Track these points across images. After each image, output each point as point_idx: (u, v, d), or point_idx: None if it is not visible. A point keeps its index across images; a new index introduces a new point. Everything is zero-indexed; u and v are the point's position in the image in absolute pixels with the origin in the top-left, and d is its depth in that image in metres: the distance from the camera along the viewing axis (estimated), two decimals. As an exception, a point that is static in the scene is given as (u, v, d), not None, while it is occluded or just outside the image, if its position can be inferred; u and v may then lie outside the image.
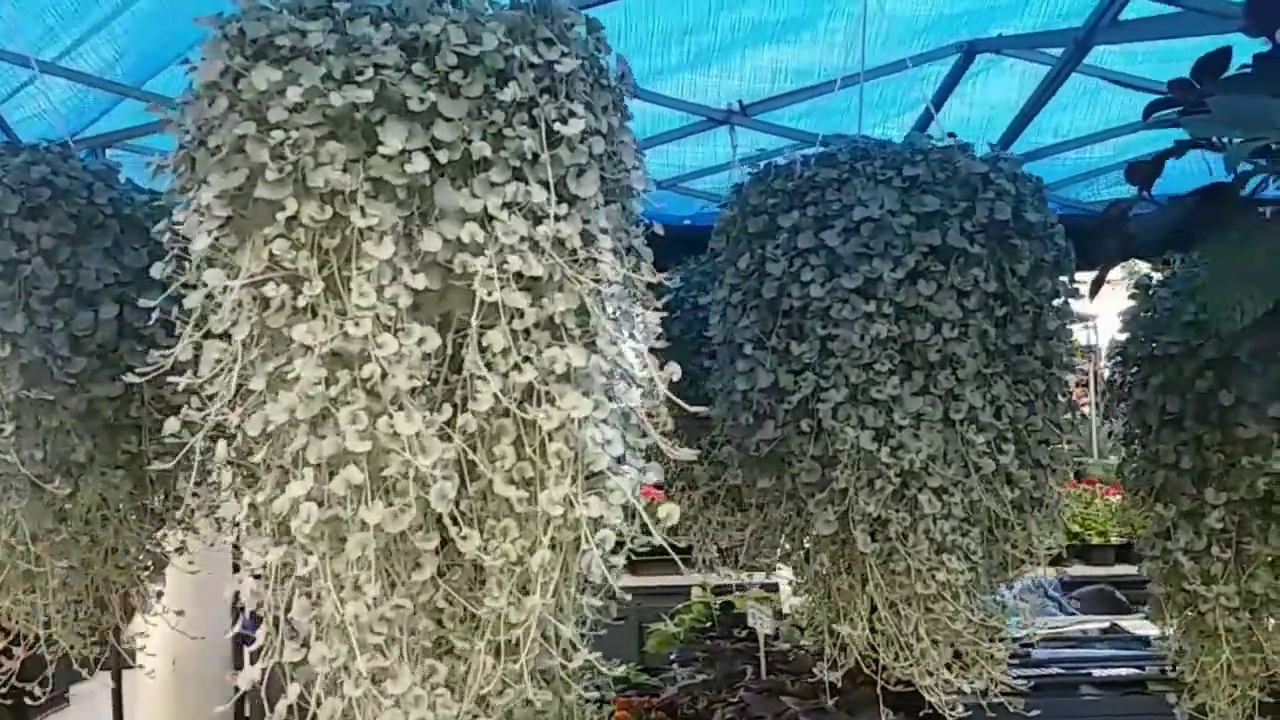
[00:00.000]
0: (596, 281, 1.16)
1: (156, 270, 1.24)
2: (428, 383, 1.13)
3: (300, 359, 1.10)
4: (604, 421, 1.15)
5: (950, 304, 1.78)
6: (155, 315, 1.84)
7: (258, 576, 1.23)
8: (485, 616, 1.17)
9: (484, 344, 1.15)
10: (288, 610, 1.20)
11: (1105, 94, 2.66)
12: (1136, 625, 3.36)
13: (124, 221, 1.88)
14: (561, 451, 1.13)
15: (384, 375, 1.09)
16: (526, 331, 1.14)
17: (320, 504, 1.13)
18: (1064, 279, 1.90)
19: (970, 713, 1.85)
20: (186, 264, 1.23)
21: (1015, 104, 2.58)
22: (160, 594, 2.03)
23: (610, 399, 1.17)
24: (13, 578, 1.77)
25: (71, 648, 1.89)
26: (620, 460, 1.17)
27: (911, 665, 1.82)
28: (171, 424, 1.27)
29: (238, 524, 1.21)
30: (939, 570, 1.78)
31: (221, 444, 1.20)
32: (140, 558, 1.98)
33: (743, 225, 1.95)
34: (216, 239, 1.11)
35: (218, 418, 1.23)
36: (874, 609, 1.86)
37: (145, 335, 1.89)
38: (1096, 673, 3.00)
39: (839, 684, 3.13)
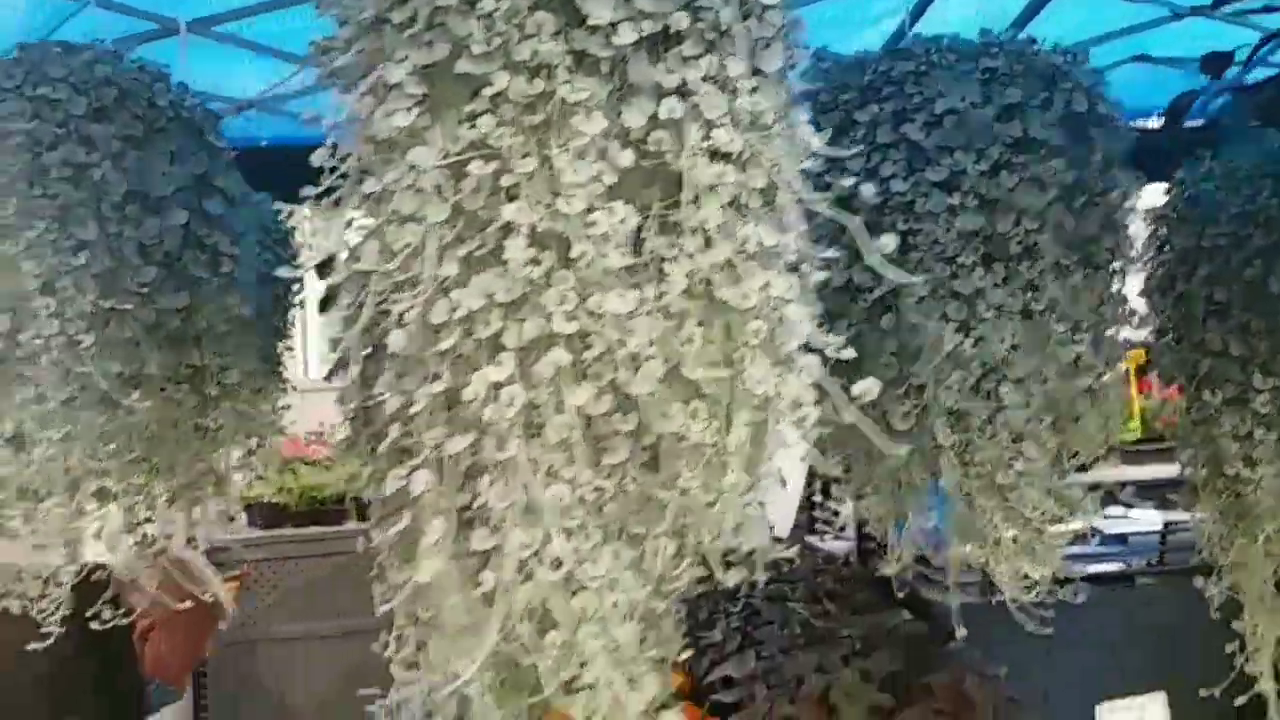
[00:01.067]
0: (786, 157, 1.15)
1: (318, 156, 1.19)
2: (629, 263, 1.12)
3: (509, 239, 1.08)
4: (795, 300, 1.15)
5: (1031, 196, 1.81)
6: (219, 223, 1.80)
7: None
8: (670, 498, 1.17)
9: (678, 222, 1.13)
10: (471, 501, 1.18)
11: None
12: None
13: (183, 125, 1.81)
14: (760, 330, 1.13)
15: (594, 254, 1.07)
16: (721, 208, 1.13)
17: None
18: (1130, 172, 1.94)
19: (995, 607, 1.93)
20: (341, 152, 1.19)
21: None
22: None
23: (800, 277, 1.17)
24: (85, 494, 1.71)
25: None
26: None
27: (986, 553, 1.87)
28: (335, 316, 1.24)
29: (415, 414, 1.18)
30: (1017, 460, 1.83)
31: (399, 333, 1.17)
32: (203, 476, 1.93)
33: (814, 122, 1.94)
34: (410, 118, 1.07)
35: (382, 309, 1.20)
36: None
37: (209, 244, 1.83)
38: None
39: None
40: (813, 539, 4.22)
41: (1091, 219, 1.89)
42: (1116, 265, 1.94)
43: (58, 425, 1.63)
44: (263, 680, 4.99)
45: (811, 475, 3.45)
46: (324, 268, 2.65)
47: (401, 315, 1.18)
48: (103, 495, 1.70)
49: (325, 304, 2.47)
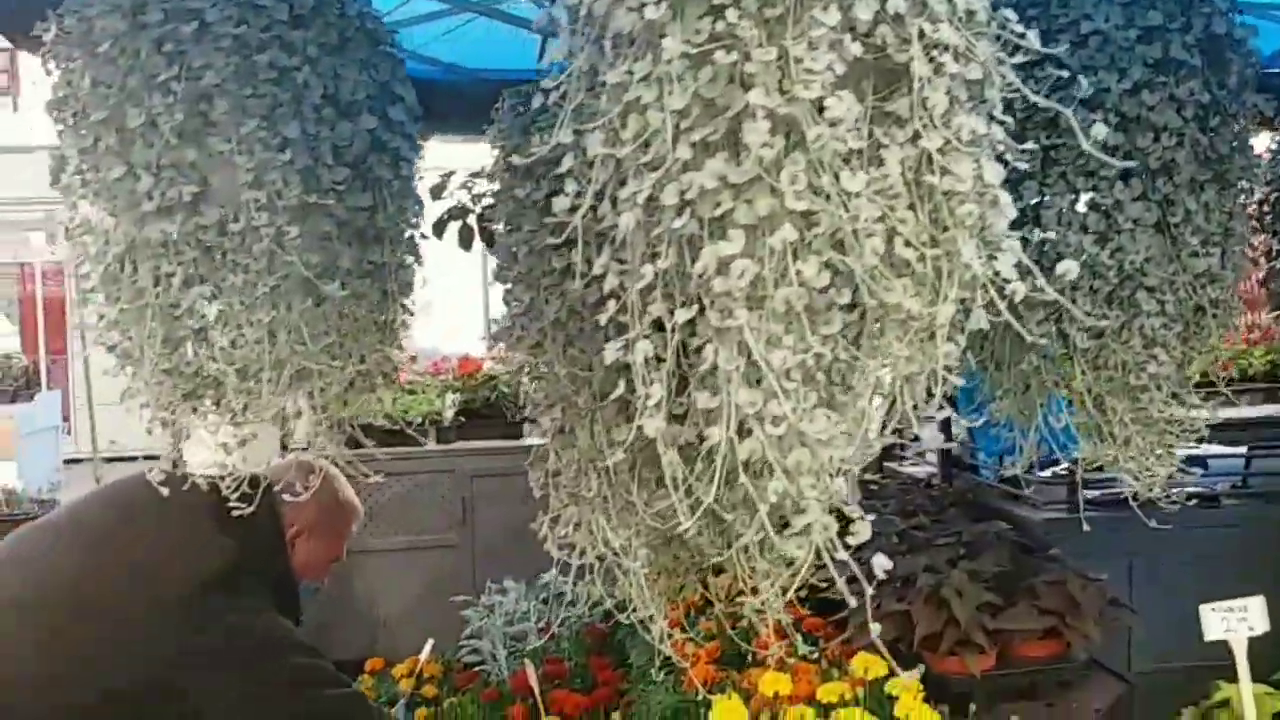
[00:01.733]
0: (996, 52, 1.25)
1: (558, 51, 1.30)
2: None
3: (747, 123, 1.19)
4: (1000, 186, 1.26)
5: (1169, 114, 1.90)
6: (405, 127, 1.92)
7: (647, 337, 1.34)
8: (874, 367, 1.29)
9: (893, 110, 1.24)
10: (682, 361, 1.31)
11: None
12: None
13: (368, 36, 1.93)
14: (971, 213, 1.24)
15: (827, 137, 1.18)
16: (941, 97, 1.23)
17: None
18: (1261, 94, 2.02)
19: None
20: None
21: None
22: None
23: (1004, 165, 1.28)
24: (286, 379, 1.84)
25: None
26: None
27: (1115, 452, 1.98)
28: (561, 202, 1.36)
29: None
30: (1149, 364, 1.94)
31: (629, 215, 1.29)
32: (380, 366, 2.07)
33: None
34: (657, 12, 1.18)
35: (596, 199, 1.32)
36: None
37: (391, 148, 1.95)
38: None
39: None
40: (890, 464, 4.34)
41: (1225, 138, 1.98)
42: (1245, 184, 2.03)
43: (266, 310, 1.76)
44: (349, 589, 5.19)
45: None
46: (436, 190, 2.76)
47: (632, 197, 1.29)
48: (304, 375, 1.83)
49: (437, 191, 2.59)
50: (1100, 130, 1.36)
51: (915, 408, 1.31)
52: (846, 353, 1.29)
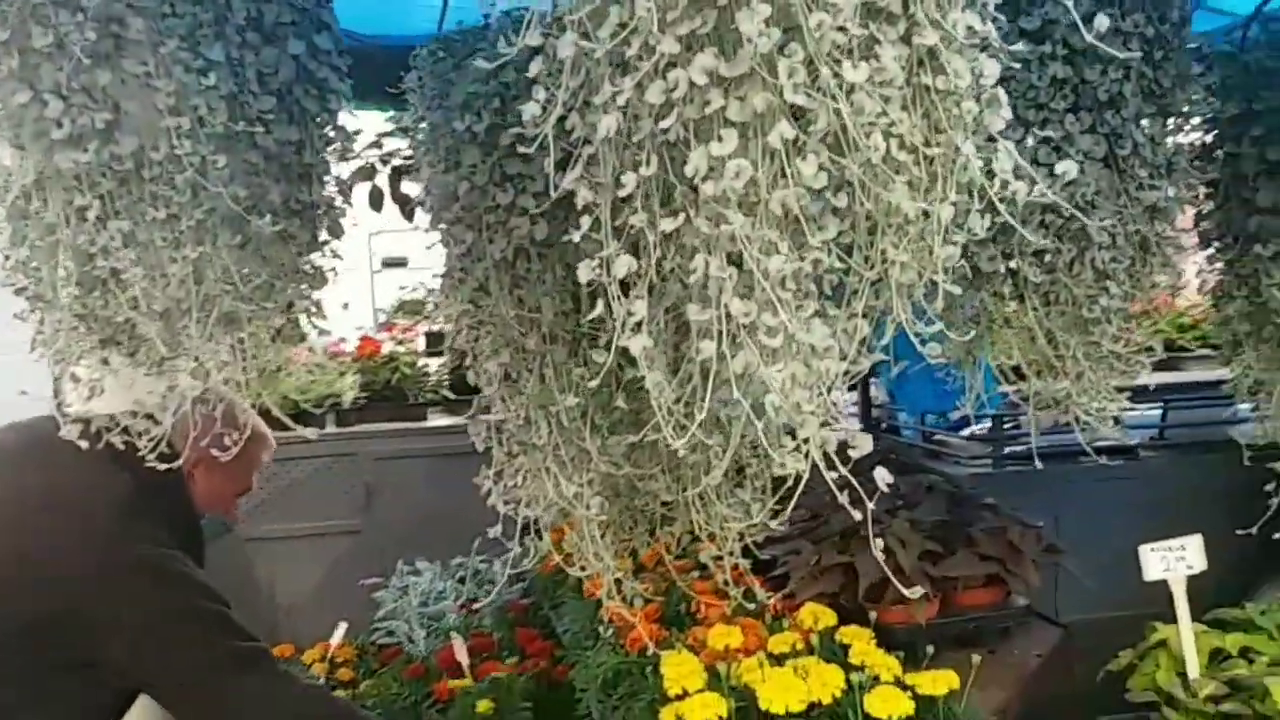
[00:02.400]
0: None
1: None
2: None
3: (740, 11, 1.12)
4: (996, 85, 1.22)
5: (1116, 46, 1.89)
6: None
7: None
8: (876, 275, 1.23)
9: (886, 7, 1.19)
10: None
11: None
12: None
13: (295, -45, 1.81)
14: (971, 110, 1.19)
15: (828, 24, 1.12)
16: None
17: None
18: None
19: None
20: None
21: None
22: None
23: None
24: (218, 317, 1.72)
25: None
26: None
27: (1069, 386, 1.97)
28: (531, 108, 1.27)
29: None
30: (1101, 296, 1.93)
31: (609, 117, 1.21)
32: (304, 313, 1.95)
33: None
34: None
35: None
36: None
37: (319, 78, 1.84)
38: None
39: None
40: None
41: (1168, 72, 1.98)
42: (1186, 119, 2.04)
43: (191, 246, 1.63)
44: (249, 576, 5.00)
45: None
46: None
47: (611, 99, 1.21)
48: (232, 320, 1.71)
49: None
50: (1103, 22, 1.32)
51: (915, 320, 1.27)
52: (841, 261, 1.23)
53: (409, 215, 2.83)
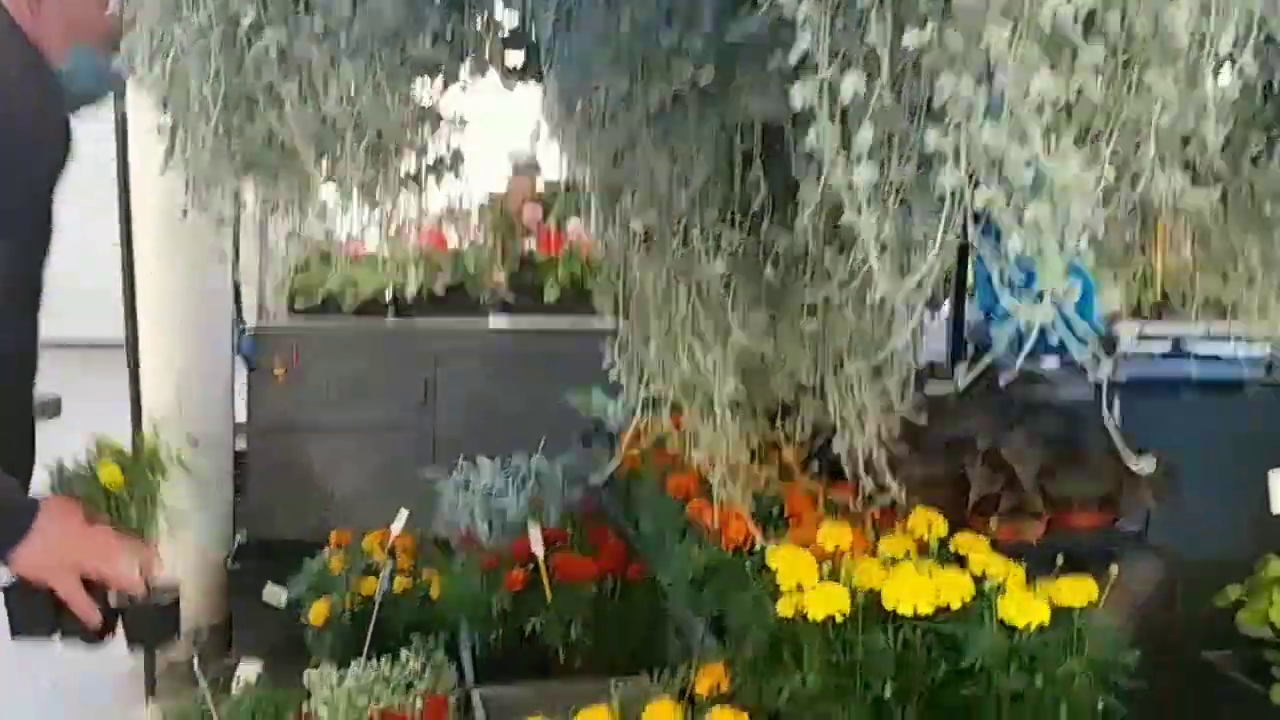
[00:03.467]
0: None
1: None
2: None
3: None
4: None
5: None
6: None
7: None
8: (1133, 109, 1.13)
9: None
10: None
11: None
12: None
13: None
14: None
15: None
16: None
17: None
18: None
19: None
20: None
21: None
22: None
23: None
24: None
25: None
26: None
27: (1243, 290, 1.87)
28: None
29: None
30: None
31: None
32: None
33: None
34: None
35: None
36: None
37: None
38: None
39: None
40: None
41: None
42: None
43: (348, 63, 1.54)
44: (302, 468, 4.97)
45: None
46: None
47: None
48: (378, 150, 1.62)
49: None
50: None
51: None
52: (1101, 91, 1.12)
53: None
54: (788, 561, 2.03)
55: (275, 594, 4.33)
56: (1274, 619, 2.32)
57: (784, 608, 1.91)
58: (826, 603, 1.86)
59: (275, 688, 3.54)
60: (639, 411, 1.97)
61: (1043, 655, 1.77)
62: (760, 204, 1.74)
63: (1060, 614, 1.85)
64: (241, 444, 4.96)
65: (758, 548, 2.31)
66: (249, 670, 3.60)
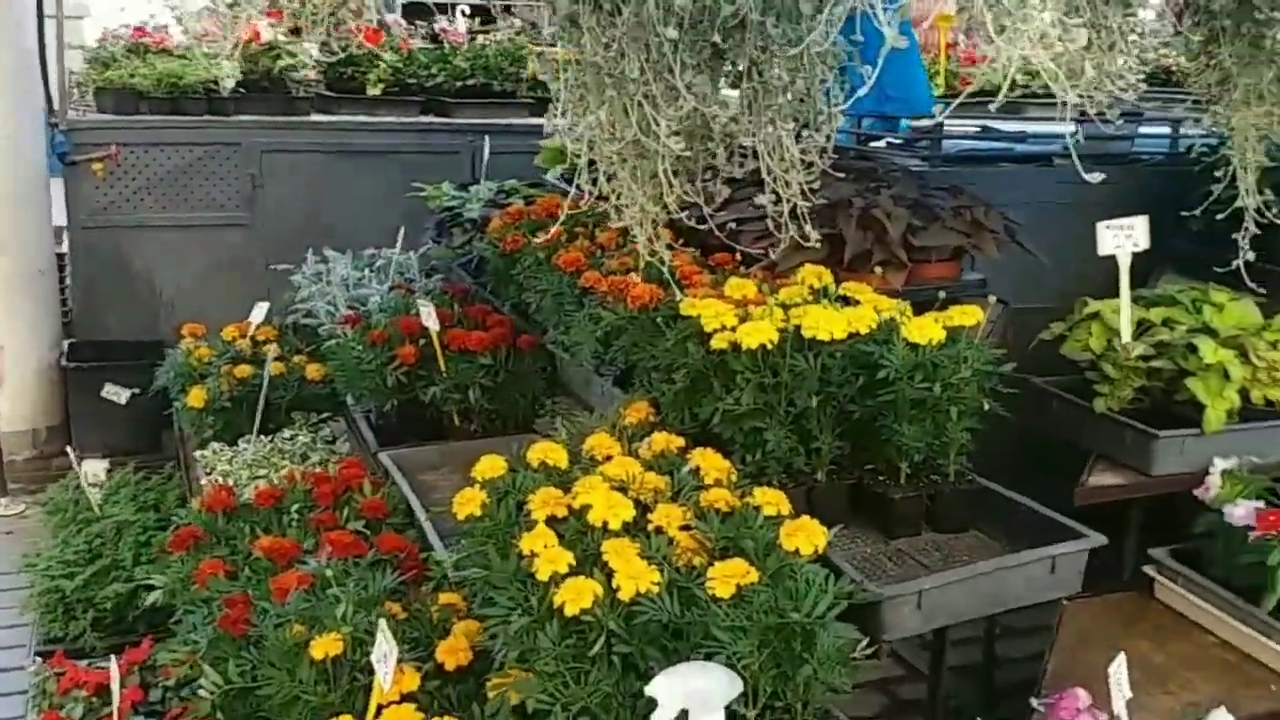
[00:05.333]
0: None
1: None
2: None
3: None
4: None
5: None
6: None
7: None
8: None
9: None
10: None
11: None
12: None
13: None
14: None
15: None
16: None
17: None
18: None
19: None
20: None
21: None
22: None
23: None
24: None
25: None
26: None
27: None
28: None
29: None
30: None
31: None
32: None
33: None
34: None
35: None
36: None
37: None
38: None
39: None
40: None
41: None
42: None
43: None
44: (127, 267, 4.84)
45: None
46: None
47: None
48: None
49: None
50: None
51: None
52: None
53: None
54: (710, 309, 2.27)
55: (116, 392, 4.30)
56: (1092, 346, 2.75)
57: (718, 342, 2.15)
58: (758, 334, 2.11)
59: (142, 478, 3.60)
60: (578, 176, 2.13)
61: (941, 366, 2.09)
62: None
63: (951, 335, 2.16)
64: (64, 246, 4.77)
65: (661, 305, 2.54)
66: (95, 466, 3.63)
